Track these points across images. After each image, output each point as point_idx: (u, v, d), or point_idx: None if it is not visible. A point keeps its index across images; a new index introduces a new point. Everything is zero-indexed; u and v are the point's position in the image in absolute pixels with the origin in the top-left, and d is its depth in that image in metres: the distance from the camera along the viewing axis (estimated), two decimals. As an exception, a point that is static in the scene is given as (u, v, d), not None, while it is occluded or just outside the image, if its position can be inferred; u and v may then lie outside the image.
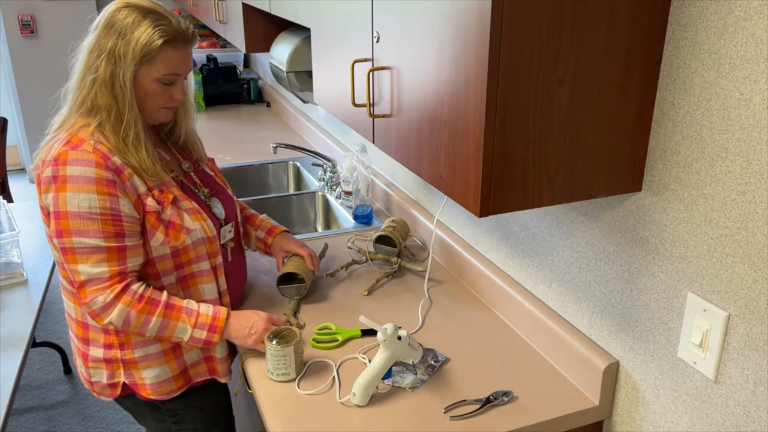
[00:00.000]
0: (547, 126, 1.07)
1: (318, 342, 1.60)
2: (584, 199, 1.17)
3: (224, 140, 3.29)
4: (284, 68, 2.29)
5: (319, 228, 2.62)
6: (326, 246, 2.00)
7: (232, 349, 1.66)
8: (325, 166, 2.56)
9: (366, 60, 1.43)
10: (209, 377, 1.64)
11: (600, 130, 1.12)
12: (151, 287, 1.48)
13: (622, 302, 1.33)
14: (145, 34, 1.39)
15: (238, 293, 1.71)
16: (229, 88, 3.99)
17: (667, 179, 1.17)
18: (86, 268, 1.40)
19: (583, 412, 1.38)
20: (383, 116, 1.39)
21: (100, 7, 5.16)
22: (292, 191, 2.92)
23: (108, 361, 1.54)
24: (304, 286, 1.78)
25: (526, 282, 1.64)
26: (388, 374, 1.43)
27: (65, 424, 2.87)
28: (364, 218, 2.27)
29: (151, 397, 1.56)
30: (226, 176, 2.88)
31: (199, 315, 1.50)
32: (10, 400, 1.70)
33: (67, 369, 3.22)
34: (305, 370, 1.51)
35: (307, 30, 2.29)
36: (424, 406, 1.40)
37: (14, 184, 5.29)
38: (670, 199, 1.17)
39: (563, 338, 1.46)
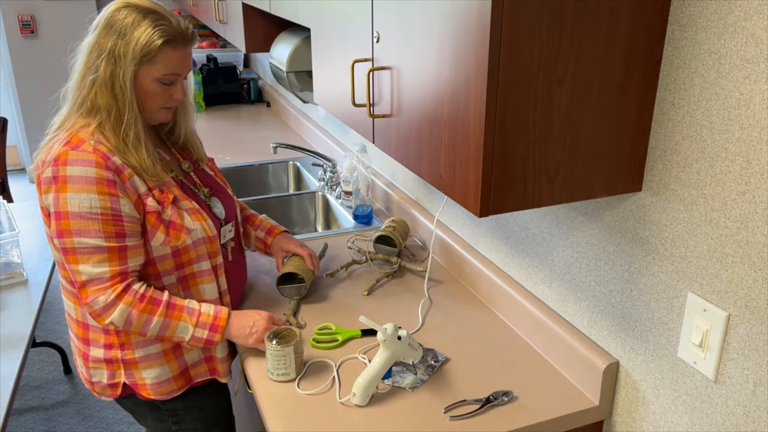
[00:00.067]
0: (547, 126, 1.07)
1: (318, 342, 1.60)
2: (584, 199, 1.17)
3: (224, 140, 3.29)
4: (284, 68, 2.29)
5: (319, 228, 2.62)
6: (326, 246, 2.00)
7: (233, 349, 1.66)
8: (325, 166, 2.56)
9: (366, 60, 1.43)
10: (210, 377, 1.64)
11: (600, 130, 1.12)
12: (153, 287, 1.48)
13: (622, 302, 1.33)
14: (145, 34, 1.39)
15: (238, 293, 1.71)
16: (229, 88, 3.98)
17: (667, 179, 1.17)
18: (87, 269, 1.40)
19: (583, 412, 1.38)
20: (383, 116, 1.39)
21: (100, 7, 5.16)
22: (292, 191, 2.91)
23: (108, 362, 1.54)
24: (304, 286, 1.78)
25: (526, 282, 1.63)
26: (388, 374, 1.43)
27: (65, 424, 2.87)
28: (364, 218, 2.27)
29: (152, 397, 1.56)
30: (226, 176, 2.88)
31: (200, 314, 1.50)
32: (10, 400, 1.70)
33: (67, 369, 3.22)
34: (305, 370, 1.51)
35: (307, 30, 2.28)
36: (424, 406, 1.40)
37: (14, 184, 5.29)
38: (670, 199, 1.17)
39: (563, 338, 1.46)
